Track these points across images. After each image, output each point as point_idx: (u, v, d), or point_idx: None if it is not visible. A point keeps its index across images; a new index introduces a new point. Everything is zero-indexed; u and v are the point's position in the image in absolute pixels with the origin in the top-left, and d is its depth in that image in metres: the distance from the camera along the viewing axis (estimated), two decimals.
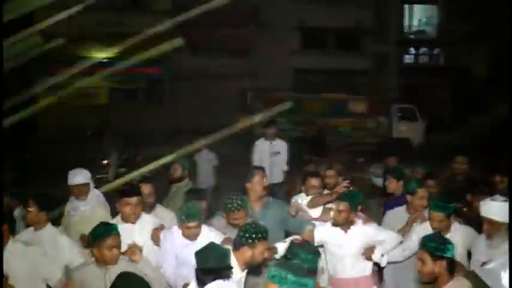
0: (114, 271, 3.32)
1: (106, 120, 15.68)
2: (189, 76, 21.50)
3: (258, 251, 3.34)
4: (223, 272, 2.98)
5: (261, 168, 5.23)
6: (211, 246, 3.11)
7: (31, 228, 4.26)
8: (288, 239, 3.99)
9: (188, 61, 21.72)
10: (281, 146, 8.63)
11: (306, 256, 3.09)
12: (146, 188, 4.64)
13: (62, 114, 20.18)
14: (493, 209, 3.83)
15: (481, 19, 22.97)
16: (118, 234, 3.58)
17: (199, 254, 3.05)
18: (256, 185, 4.62)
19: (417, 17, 27.44)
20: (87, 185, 4.86)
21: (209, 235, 3.97)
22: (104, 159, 12.68)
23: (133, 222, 4.19)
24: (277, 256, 4.03)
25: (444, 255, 3.17)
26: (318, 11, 22.88)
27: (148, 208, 4.60)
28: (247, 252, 3.32)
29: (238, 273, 3.35)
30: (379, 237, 4.36)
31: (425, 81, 24.86)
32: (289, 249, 3.23)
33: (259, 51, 22.61)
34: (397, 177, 5.50)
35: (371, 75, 24.53)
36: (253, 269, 3.56)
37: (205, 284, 2.96)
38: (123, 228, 4.03)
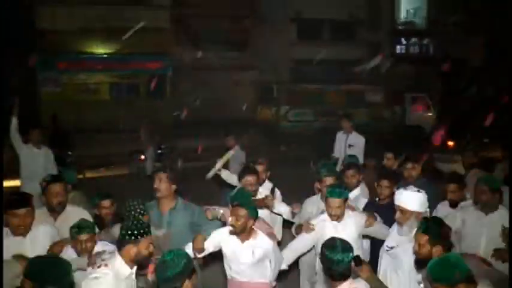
0: None
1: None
2: (190, 69, 21.67)
3: (142, 246, 3.32)
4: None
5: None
6: (48, 260, 2.97)
7: None
8: (188, 245, 4.10)
9: (188, 54, 21.87)
10: (356, 139, 8.75)
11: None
12: (55, 187, 4.46)
13: (64, 109, 20.00)
14: (404, 198, 3.94)
15: (469, 10, 23.71)
16: None
17: (32, 267, 2.85)
18: (158, 186, 4.53)
19: (405, 8, 27.95)
20: None
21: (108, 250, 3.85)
22: (141, 154, 12.73)
23: (23, 235, 3.90)
24: None
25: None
26: (313, 2, 23.23)
27: (60, 208, 4.46)
28: (132, 250, 3.31)
29: (127, 270, 3.35)
30: (276, 253, 4.22)
31: (417, 71, 25.58)
32: None
33: (258, 43, 22.90)
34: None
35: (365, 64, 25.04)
36: (141, 265, 3.53)
37: None
38: (13, 240, 3.87)
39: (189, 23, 22.22)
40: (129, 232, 3.29)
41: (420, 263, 3.49)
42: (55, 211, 4.45)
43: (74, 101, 20.73)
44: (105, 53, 21.39)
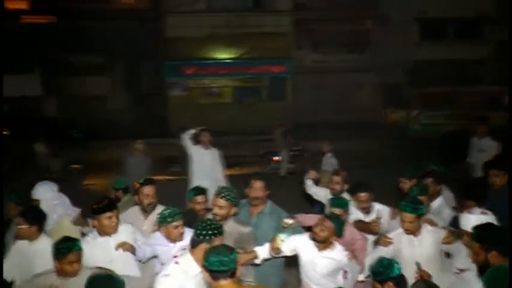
0: (75, 281, 3.49)
1: None
2: (311, 72, 21.77)
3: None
4: None
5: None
6: (108, 278, 3.08)
7: (26, 241, 4.21)
8: (266, 244, 4.11)
9: (309, 57, 22.00)
10: (488, 144, 8.67)
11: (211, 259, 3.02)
12: (147, 189, 4.76)
13: (190, 112, 20.89)
14: (470, 222, 3.75)
15: None
16: (79, 250, 3.58)
17: (92, 285, 3.02)
18: (251, 192, 4.60)
19: None
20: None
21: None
22: (276, 156, 13.08)
23: (109, 235, 4.18)
24: (257, 261, 4.09)
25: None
26: (437, 1, 22.41)
27: (151, 208, 4.74)
28: (205, 248, 3.32)
29: (196, 269, 3.39)
30: (349, 265, 4.17)
31: None
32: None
33: (379, 45, 22.48)
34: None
35: (494, 64, 23.65)
36: None
37: None
38: (99, 240, 4.13)
39: (310, 26, 22.34)
40: (204, 232, 3.38)
41: (482, 271, 3.38)
42: (146, 211, 4.78)
43: (199, 104, 21.69)
44: (228, 58, 22.15)
